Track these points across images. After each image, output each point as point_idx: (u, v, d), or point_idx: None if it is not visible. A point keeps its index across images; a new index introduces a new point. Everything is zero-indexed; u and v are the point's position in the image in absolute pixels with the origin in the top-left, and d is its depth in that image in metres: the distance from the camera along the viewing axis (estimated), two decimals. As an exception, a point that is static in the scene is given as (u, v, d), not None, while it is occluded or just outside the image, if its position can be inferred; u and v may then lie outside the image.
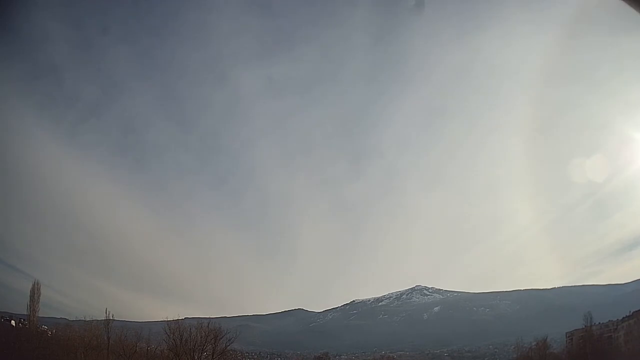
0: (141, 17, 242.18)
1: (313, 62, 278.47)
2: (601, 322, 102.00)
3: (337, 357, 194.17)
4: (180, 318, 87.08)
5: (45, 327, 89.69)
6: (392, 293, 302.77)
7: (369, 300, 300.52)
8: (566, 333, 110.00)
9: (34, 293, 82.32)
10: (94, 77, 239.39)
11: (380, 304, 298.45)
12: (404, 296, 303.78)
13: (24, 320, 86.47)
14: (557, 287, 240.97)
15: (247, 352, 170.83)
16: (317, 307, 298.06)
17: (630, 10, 6.50)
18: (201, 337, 79.77)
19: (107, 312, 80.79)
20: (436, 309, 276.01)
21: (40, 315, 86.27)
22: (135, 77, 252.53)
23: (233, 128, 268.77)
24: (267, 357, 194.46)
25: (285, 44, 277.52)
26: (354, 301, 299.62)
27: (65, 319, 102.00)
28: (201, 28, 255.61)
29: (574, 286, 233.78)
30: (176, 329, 79.45)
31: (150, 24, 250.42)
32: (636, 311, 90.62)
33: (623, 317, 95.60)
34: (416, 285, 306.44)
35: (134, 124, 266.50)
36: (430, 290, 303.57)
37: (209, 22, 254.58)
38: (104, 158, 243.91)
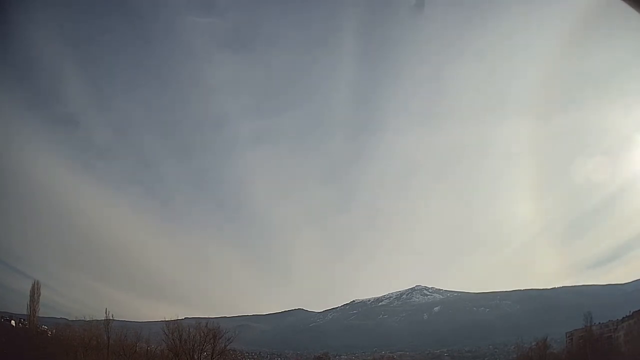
0: (147, 68, 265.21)
1: (303, 110, 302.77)
2: (601, 322, 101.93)
3: (337, 357, 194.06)
4: (179, 318, 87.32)
5: (45, 327, 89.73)
6: (392, 293, 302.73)
7: (369, 300, 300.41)
8: (566, 333, 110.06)
9: (34, 293, 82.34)
10: (107, 122, 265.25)
11: (380, 304, 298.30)
12: (404, 296, 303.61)
13: (24, 320, 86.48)
14: (557, 287, 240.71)
15: (247, 352, 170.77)
16: (317, 307, 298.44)
17: (630, 10, 6.48)
18: (200, 337, 79.89)
19: (107, 312, 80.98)
20: (436, 309, 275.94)
21: (40, 315, 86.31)
22: (142, 120, 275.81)
23: (230, 165, 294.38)
24: (267, 357, 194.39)
25: (277, 94, 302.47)
26: (354, 301, 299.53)
27: (65, 319, 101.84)
28: (200, 78, 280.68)
29: (574, 286, 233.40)
30: (176, 329, 79.56)
31: (154, 73, 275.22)
32: (636, 311, 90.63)
33: (623, 317, 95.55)
34: (416, 285, 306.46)
35: (141, 157, 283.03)
36: (430, 290, 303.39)
37: (207, 73, 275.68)
38: (111, 181, 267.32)
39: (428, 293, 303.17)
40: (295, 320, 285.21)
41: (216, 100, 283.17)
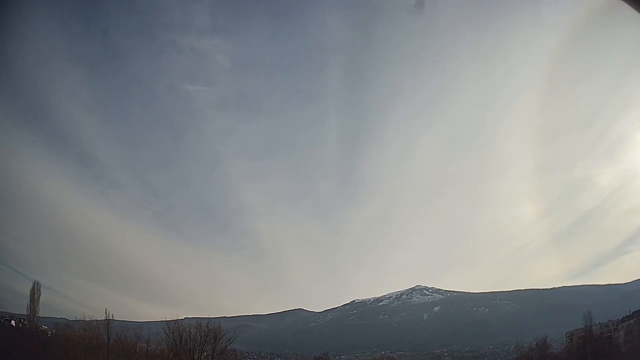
0: (152, 116, 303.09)
1: (293, 156, 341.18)
2: (601, 322, 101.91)
3: (337, 357, 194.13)
4: (180, 318, 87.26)
5: (45, 327, 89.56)
6: (392, 293, 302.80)
7: (369, 300, 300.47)
8: (566, 333, 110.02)
9: (34, 293, 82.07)
10: (119, 160, 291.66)
11: (380, 304, 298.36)
12: (404, 296, 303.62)
13: (24, 320, 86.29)
14: (557, 287, 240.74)
15: (247, 352, 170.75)
16: (317, 307, 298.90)
17: (631, 10, 6.51)
18: (201, 337, 79.81)
19: (107, 312, 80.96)
20: (436, 309, 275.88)
21: (40, 316, 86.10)
22: (149, 160, 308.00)
23: (227, 195, 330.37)
24: (267, 357, 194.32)
25: (268, 141, 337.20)
26: (354, 301, 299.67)
27: (65, 319, 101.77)
28: (196, 127, 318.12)
29: (574, 286, 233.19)
30: (176, 329, 79.52)
31: (158, 121, 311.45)
32: (636, 311, 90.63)
33: (623, 317, 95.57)
34: (416, 285, 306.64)
35: (148, 188, 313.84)
36: (430, 290, 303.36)
37: (202, 124, 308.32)
38: (120, 205, 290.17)
39: (428, 293, 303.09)
40: (295, 320, 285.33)
41: (212, 144, 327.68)
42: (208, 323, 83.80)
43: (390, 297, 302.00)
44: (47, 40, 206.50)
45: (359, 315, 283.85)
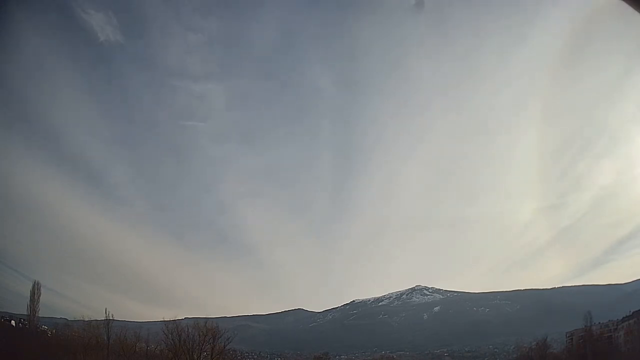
0: (156, 142, 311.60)
1: (289, 176, 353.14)
2: (601, 322, 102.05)
3: (337, 357, 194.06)
4: (179, 318, 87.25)
5: (45, 327, 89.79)
6: (392, 293, 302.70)
7: (369, 300, 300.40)
8: (566, 333, 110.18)
9: (34, 294, 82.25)
10: (129, 179, 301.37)
11: (380, 304, 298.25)
12: (404, 296, 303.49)
13: (24, 320, 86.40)
14: (557, 287, 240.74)
15: (247, 352, 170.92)
16: (317, 307, 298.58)
17: (630, 10, 6.47)
18: (200, 337, 79.83)
19: (107, 313, 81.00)
20: (436, 309, 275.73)
21: (40, 316, 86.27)
22: (153, 180, 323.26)
23: (224, 215, 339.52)
24: (267, 357, 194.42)
25: (265, 167, 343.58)
26: (354, 301, 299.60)
27: (65, 319, 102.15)
28: (196, 152, 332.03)
29: (574, 286, 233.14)
30: (175, 328, 79.51)
31: (162, 148, 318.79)
32: (636, 311, 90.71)
33: (623, 317, 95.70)
34: (416, 285, 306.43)
35: (150, 202, 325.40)
36: (430, 290, 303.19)
37: (203, 149, 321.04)
38: (125, 218, 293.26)
39: (428, 293, 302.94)
40: (295, 320, 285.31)
41: (210, 169, 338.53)
42: (206, 323, 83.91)
43: (390, 297, 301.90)
44: (61, 75, 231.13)
45: (359, 315, 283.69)
